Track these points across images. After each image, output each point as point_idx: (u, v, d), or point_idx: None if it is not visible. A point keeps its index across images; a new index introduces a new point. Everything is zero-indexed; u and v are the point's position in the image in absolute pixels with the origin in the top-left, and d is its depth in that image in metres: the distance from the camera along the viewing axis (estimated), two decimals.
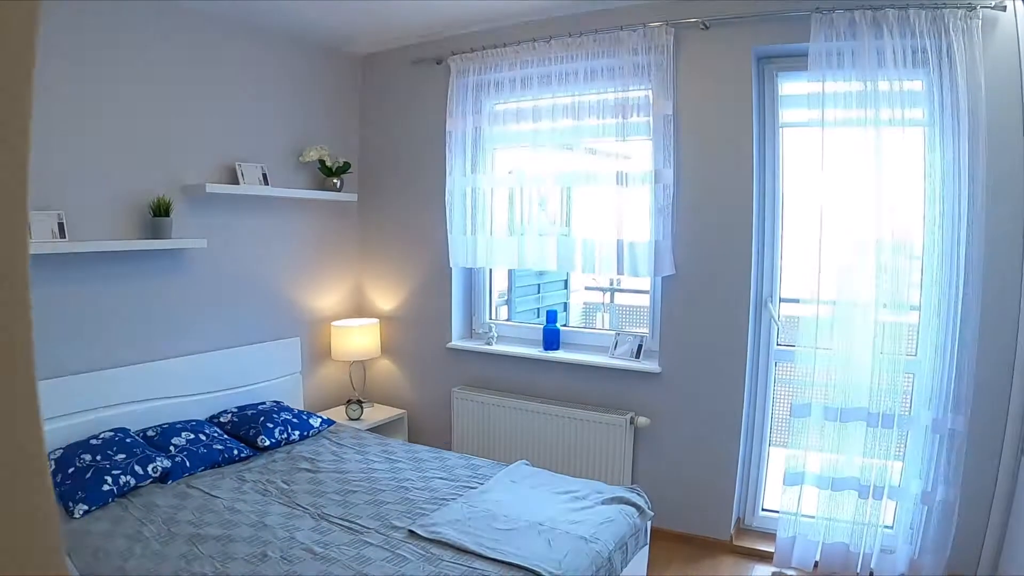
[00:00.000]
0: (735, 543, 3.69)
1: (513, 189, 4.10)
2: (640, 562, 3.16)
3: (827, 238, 3.22)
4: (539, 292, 5.17)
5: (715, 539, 3.72)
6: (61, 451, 3.06)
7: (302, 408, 4.31)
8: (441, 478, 3.34)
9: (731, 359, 3.58)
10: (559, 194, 4.07)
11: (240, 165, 3.86)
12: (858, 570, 3.29)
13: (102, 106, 3.31)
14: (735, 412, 3.60)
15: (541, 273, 4.98)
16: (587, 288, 5.66)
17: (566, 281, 5.42)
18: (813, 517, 3.38)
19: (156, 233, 3.43)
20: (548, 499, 3.08)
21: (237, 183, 3.82)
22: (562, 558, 2.58)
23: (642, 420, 3.79)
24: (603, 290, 5.66)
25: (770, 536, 3.61)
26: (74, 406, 3.24)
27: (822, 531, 3.36)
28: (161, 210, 3.43)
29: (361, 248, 4.82)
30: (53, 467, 2.99)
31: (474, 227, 4.16)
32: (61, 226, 3.09)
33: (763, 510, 3.83)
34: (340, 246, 4.69)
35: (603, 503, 3.05)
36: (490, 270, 4.51)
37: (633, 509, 3.04)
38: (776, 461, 3.73)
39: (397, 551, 2.61)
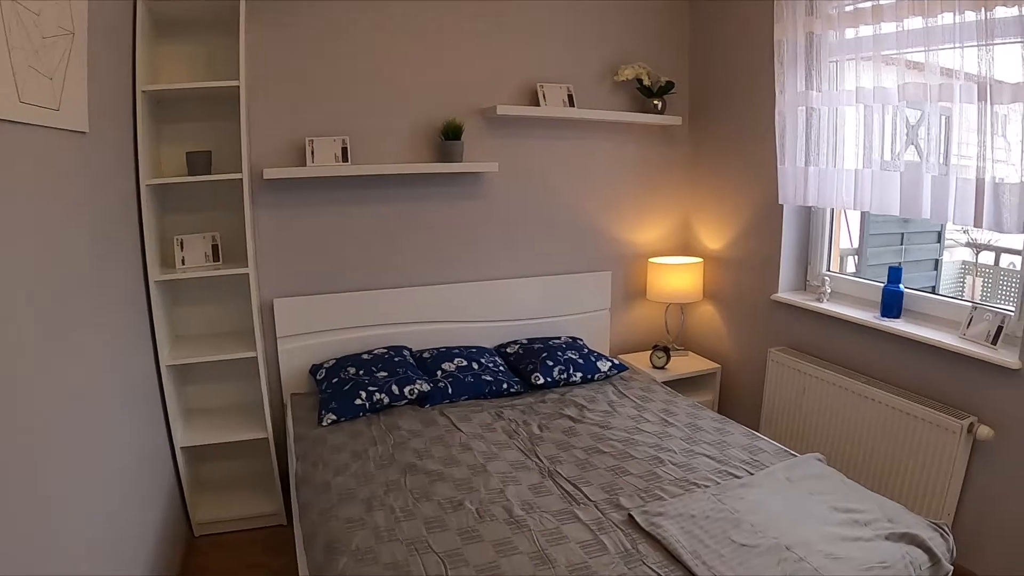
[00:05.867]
0: None
1: (856, 110, 3.07)
2: None
3: None
4: (902, 243, 3.93)
5: None
6: (334, 361, 3.28)
7: (605, 348, 4.01)
8: (708, 455, 2.74)
9: None
10: (902, 115, 2.91)
11: (542, 86, 3.59)
12: None
13: (395, 29, 3.33)
14: None
15: (905, 220, 3.77)
16: (968, 244, 4.13)
17: (939, 233, 4.03)
18: None
19: (446, 156, 3.38)
20: (819, 514, 2.30)
21: (538, 104, 3.55)
22: None
23: (984, 430, 2.65)
24: (983, 247, 4.10)
25: None
26: (361, 320, 3.45)
27: None
28: (451, 133, 3.34)
29: (691, 178, 4.18)
30: (323, 374, 3.21)
31: (808, 156, 3.27)
32: (344, 150, 3.22)
33: None
34: (664, 175, 4.13)
35: (887, 537, 2.16)
36: (831, 212, 3.55)
37: (924, 556, 2.10)
38: None
39: (601, 535, 2.19)
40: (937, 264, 4.25)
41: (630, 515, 2.30)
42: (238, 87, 2.82)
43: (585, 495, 2.44)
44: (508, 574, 1.99)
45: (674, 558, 2.07)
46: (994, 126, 2.51)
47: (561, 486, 2.51)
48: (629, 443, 2.84)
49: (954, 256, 4.47)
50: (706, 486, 2.49)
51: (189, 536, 3.11)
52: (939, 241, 4.23)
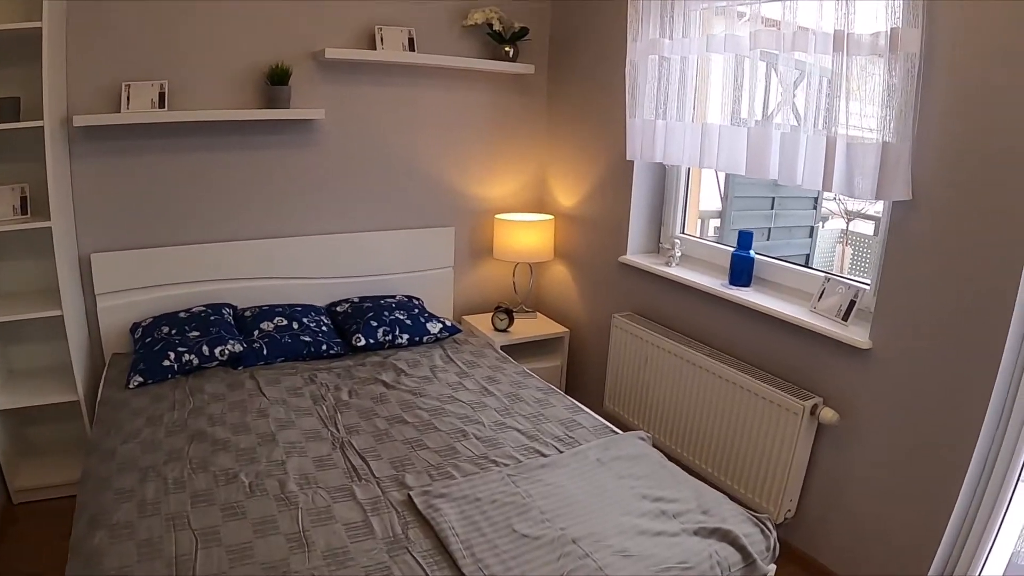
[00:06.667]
0: None
1: (707, 60, 2.95)
2: None
3: None
4: (772, 208, 3.84)
5: None
6: (151, 319, 3.13)
7: (449, 309, 3.96)
8: (519, 430, 2.68)
9: (981, 352, 2.14)
10: (759, 68, 2.70)
11: (380, 29, 3.38)
12: None
13: None
14: (970, 429, 2.20)
15: (776, 183, 3.74)
16: (845, 213, 4.06)
17: (816, 199, 3.93)
18: None
19: (272, 103, 3.20)
20: (623, 502, 2.19)
21: (375, 48, 3.36)
22: None
23: (828, 413, 2.56)
24: (855, 215, 4.02)
25: None
26: (188, 276, 3.30)
27: None
28: (276, 78, 3.15)
29: (548, 130, 4.07)
30: (140, 333, 3.08)
31: (657, 109, 3.12)
32: (162, 96, 3.01)
33: None
34: (518, 126, 4.00)
35: (696, 532, 2.06)
36: (687, 170, 3.46)
37: (736, 555, 2.00)
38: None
39: (372, 517, 2.11)
40: (812, 232, 4.14)
41: (410, 495, 2.22)
42: (40, 28, 2.56)
43: (371, 470, 2.37)
44: (259, 557, 1.92)
45: (442, 548, 1.97)
46: (850, 80, 2.30)
47: (349, 459, 2.44)
48: (437, 413, 2.78)
49: (835, 224, 4.37)
50: (505, 464, 2.41)
51: (7, 503, 2.98)
52: (815, 207, 4.12)
